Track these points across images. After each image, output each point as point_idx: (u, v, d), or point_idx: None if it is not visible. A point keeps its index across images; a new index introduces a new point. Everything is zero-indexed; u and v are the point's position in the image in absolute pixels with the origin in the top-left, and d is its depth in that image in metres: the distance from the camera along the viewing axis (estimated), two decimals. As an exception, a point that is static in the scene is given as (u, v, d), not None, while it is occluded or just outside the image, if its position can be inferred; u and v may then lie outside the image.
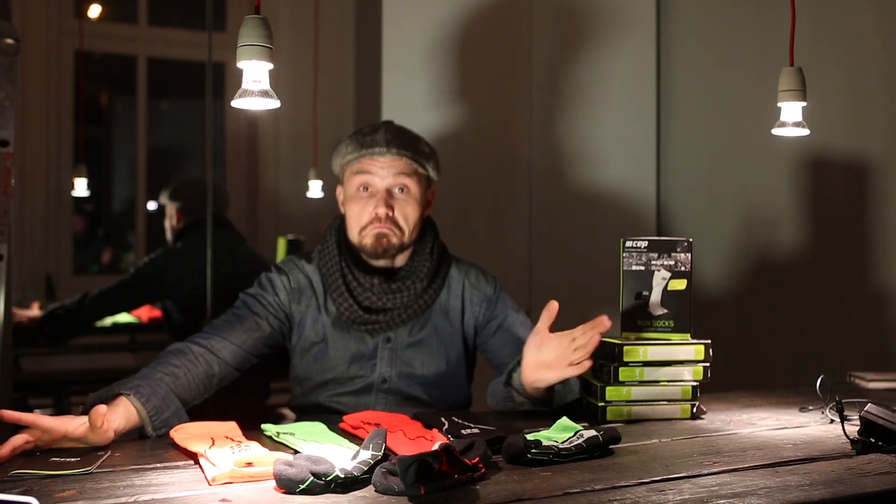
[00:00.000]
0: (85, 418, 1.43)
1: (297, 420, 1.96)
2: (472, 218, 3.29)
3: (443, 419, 1.62)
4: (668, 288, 1.83)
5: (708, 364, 1.80)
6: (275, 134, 4.50)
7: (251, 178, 4.57)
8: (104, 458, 1.40)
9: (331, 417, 1.80)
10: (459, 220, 3.22)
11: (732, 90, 3.28)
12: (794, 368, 2.96)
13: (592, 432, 1.45)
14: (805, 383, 2.07)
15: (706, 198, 3.41)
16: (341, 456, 1.33)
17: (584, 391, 1.87)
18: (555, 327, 1.87)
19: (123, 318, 3.52)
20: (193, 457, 1.39)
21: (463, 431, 1.53)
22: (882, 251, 2.73)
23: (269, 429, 1.59)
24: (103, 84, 5.06)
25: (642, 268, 1.84)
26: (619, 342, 1.78)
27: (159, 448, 1.49)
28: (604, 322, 1.63)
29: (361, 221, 1.88)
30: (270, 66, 1.38)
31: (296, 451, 1.43)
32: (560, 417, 1.59)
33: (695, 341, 1.80)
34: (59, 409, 3.35)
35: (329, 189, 3.61)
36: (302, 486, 1.19)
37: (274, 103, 1.40)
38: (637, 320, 1.83)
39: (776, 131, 1.77)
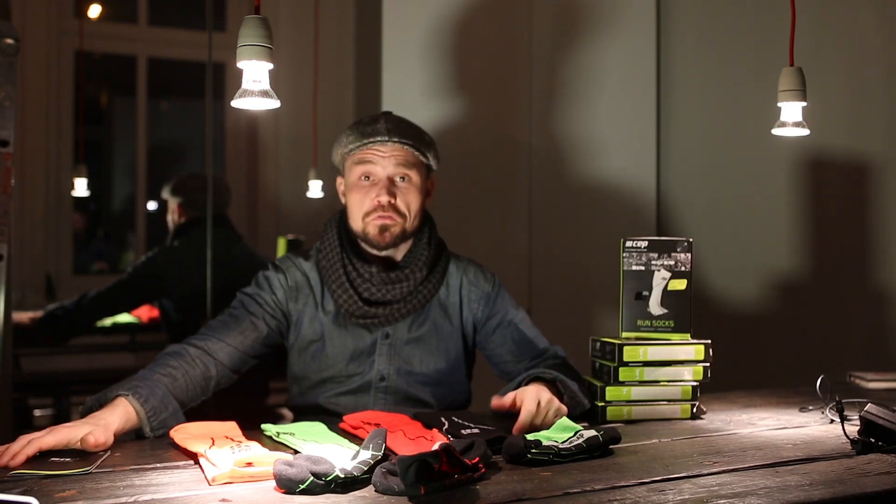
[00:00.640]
0: (86, 428, 1.43)
1: (295, 420, 1.96)
2: (472, 215, 3.29)
3: (443, 419, 1.62)
4: (668, 288, 1.83)
5: (708, 364, 1.80)
6: (275, 134, 4.50)
7: (251, 178, 4.57)
8: (104, 458, 1.40)
9: (329, 418, 1.79)
10: (459, 217, 3.22)
11: (732, 90, 3.28)
12: (794, 368, 2.96)
13: (592, 432, 1.45)
14: (805, 383, 2.07)
15: (706, 197, 3.41)
16: (341, 456, 1.33)
17: (587, 395, 1.87)
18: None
19: (123, 318, 3.52)
20: (193, 457, 1.39)
21: (463, 431, 1.53)
22: (882, 251, 2.73)
23: (269, 429, 1.59)
24: (103, 84, 5.06)
25: (642, 268, 1.84)
26: (619, 342, 1.77)
27: (159, 448, 1.49)
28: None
29: (364, 208, 1.87)
30: (270, 66, 1.38)
31: (296, 451, 1.43)
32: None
33: (695, 341, 1.80)
34: (59, 409, 3.35)
35: (329, 189, 3.61)
36: (302, 486, 1.19)
37: (274, 103, 1.40)
38: (637, 320, 1.83)
39: (776, 131, 1.77)
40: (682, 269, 1.83)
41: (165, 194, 3.35)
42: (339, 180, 1.98)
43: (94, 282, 4.03)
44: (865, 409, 1.49)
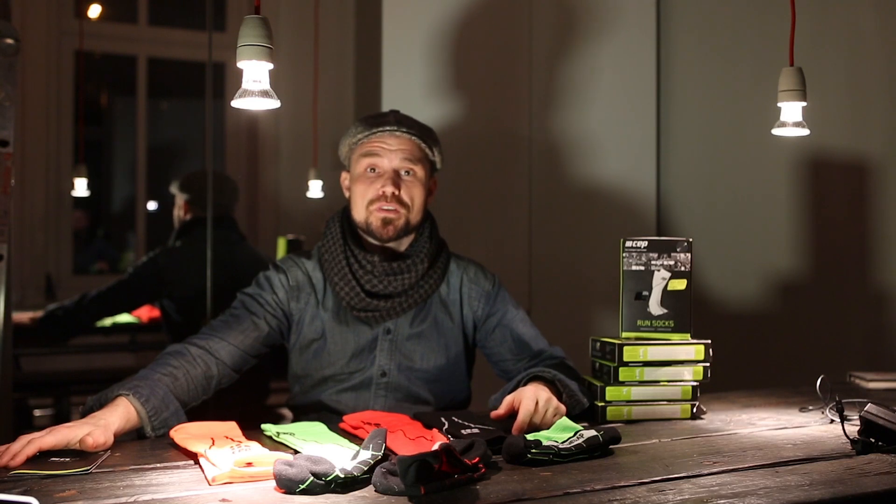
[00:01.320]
0: (86, 429, 1.43)
1: (296, 419, 1.96)
2: (472, 215, 3.29)
3: (443, 419, 1.62)
4: (668, 288, 1.83)
5: (708, 364, 1.80)
6: (275, 134, 4.50)
7: (251, 178, 4.57)
8: (104, 458, 1.40)
9: (330, 417, 1.79)
10: (459, 217, 3.22)
11: (732, 89, 3.28)
12: (794, 368, 2.96)
13: (592, 432, 1.45)
14: (805, 383, 2.07)
15: (706, 197, 3.41)
16: (341, 456, 1.33)
17: (587, 394, 1.87)
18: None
19: (123, 318, 3.52)
20: (193, 457, 1.39)
21: (463, 431, 1.53)
22: (882, 251, 2.73)
23: (269, 429, 1.59)
24: (103, 84, 5.06)
25: (642, 268, 1.84)
26: (619, 342, 1.78)
27: (159, 448, 1.49)
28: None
29: (368, 197, 1.88)
30: (270, 66, 1.38)
31: (296, 451, 1.43)
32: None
33: (695, 341, 1.81)
34: (59, 409, 3.35)
35: (329, 189, 3.61)
36: (302, 486, 1.19)
37: (274, 103, 1.40)
38: (637, 320, 1.83)
39: (776, 131, 1.77)
40: (682, 269, 1.83)
41: (173, 189, 3.34)
42: (344, 175, 1.99)
43: (94, 282, 4.03)
44: (865, 409, 1.49)
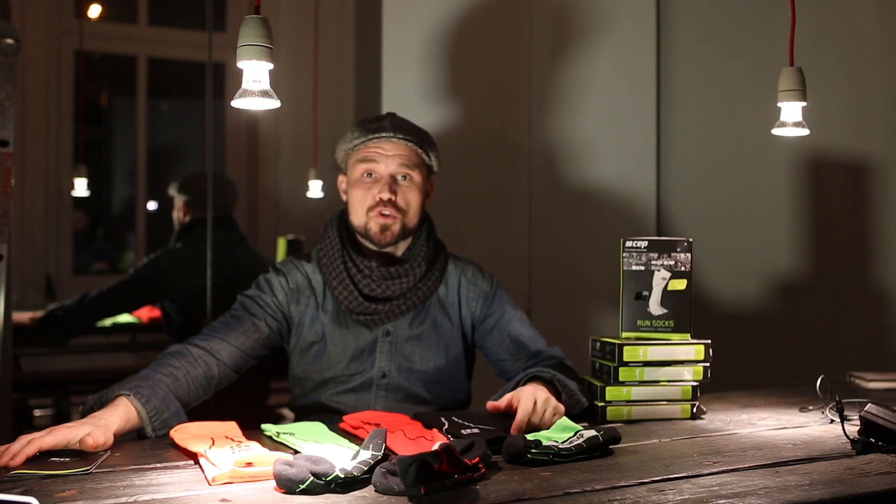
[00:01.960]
0: (86, 429, 1.43)
1: (297, 420, 1.96)
2: (472, 216, 3.29)
3: (443, 419, 1.62)
4: (668, 288, 1.83)
5: (708, 364, 1.80)
6: (275, 134, 4.50)
7: (251, 178, 4.57)
8: (104, 458, 1.40)
9: (331, 417, 1.80)
10: (459, 218, 3.22)
11: (732, 90, 3.28)
12: (794, 368, 2.96)
13: (592, 432, 1.45)
14: (805, 383, 2.07)
15: (706, 197, 3.41)
16: (341, 456, 1.33)
17: (586, 394, 1.87)
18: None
19: (123, 318, 3.52)
20: (193, 457, 1.39)
21: (463, 431, 1.53)
22: (882, 251, 2.73)
23: (269, 429, 1.59)
24: (103, 84, 5.06)
25: (642, 268, 1.84)
26: (619, 342, 1.77)
27: (159, 448, 1.49)
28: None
29: (366, 203, 1.89)
30: (270, 66, 1.38)
31: (296, 451, 1.43)
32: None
33: (695, 341, 1.81)
34: (59, 409, 3.35)
35: (329, 189, 3.61)
36: (302, 486, 1.19)
37: (274, 103, 1.40)
38: (637, 320, 1.83)
39: (776, 131, 1.77)
40: (682, 269, 1.83)
41: (172, 191, 3.34)
42: (341, 178, 1.99)
43: (94, 282, 4.04)
44: (865, 409, 1.49)
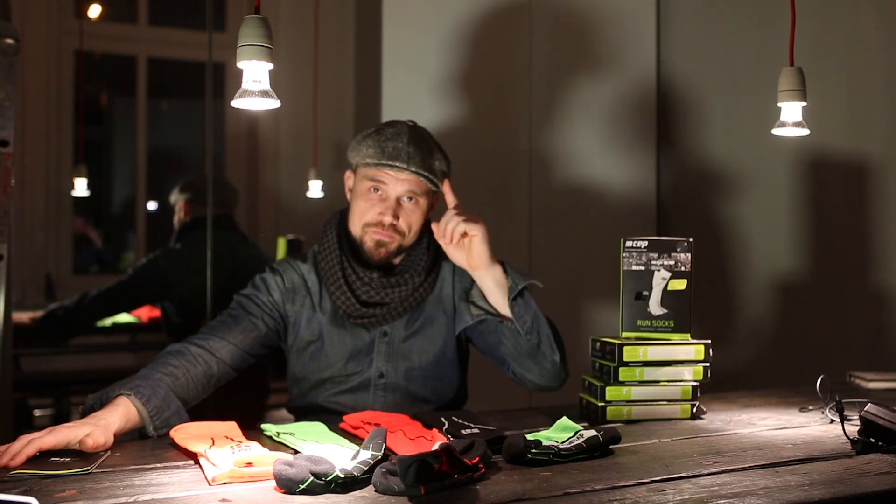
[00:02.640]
0: (86, 429, 1.43)
1: (296, 420, 1.96)
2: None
3: (443, 419, 1.62)
4: (668, 288, 1.83)
5: (708, 364, 1.80)
6: (275, 134, 4.50)
7: (251, 178, 4.57)
8: (104, 458, 1.40)
9: (330, 418, 1.80)
10: (459, 220, 3.21)
11: (732, 89, 3.28)
12: (794, 368, 2.96)
13: (592, 432, 1.45)
14: (805, 383, 2.07)
15: (706, 198, 3.41)
16: (341, 456, 1.33)
17: (584, 391, 1.87)
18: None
19: (123, 318, 3.52)
20: (193, 457, 1.39)
21: (463, 431, 1.53)
22: (882, 251, 2.73)
23: (269, 429, 1.59)
24: (103, 84, 5.06)
25: (642, 268, 1.84)
26: (619, 342, 1.77)
27: (159, 448, 1.49)
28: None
29: (366, 219, 1.88)
30: (270, 66, 1.38)
31: (296, 451, 1.43)
32: (560, 417, 1.59)
33: (695, 341, 1.80)
34: (59, 409, 3.35)
35: (329, 189, 3.61)
36: (302, 486, 1.19)
37: (274, 103, 1.40)
38: (637, 320, 1.83)
39: (776, 131, 1.77)
40: (682, 269, 1.83)
41: (174, 196, 3.34)
42: (349, 174, 1.98)
43: (93, 282, 4.03)
44: (865, 409, 1.49)
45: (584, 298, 3.40)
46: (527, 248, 3.40)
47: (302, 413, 1.94)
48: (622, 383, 1.76)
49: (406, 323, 1.93)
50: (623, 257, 1.85)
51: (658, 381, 1.78)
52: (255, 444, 1.40)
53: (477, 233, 1.82)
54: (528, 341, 1.81)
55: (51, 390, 3.39)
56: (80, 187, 3.58)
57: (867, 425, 1.49)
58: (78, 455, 1.41)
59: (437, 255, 1.99)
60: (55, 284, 4.11)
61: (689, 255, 1.83)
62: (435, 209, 2.00)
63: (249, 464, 1.27)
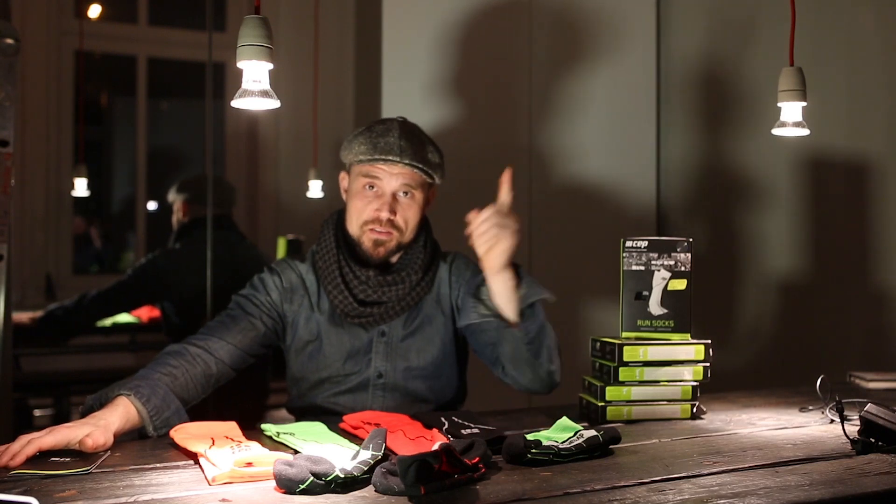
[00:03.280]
0: (86, 429, 1.43)
1: (297, 420, 1.96)
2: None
3: (443, 419, 1.62)
4: (668, 288, 1.83)
5: (708, 364, 1.80)
6: (275, 134, 4.50)
7: (251, 178, 4.57)
8: (104, 458, 1.40)
9: (329, 419, 1.80)
10: (459, 218, 3.20)
11: (732, 89, 3.28)
12: (794, 368, 2.96)
13: (592, 432, 1.45)
14: (805, 383, 2.07)
15: (706, 198, 3.41)
16: (341, 456, 1.33)
17: (584, 391, 1.87)
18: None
19: (123, 318, 3.52)
20: (193, 457, 1.39)
21: (463, 431, 1.53)
22: (882, 251, 2.73)
23: (269, 429, 1.59)
24: (103, 84, 5.06)
25: (642, 268, 1.84)
26: (619, 342, 1.77)
27: (159, 448, 1.49)
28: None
29: (363, 217, 1.88)
30: (270, 66, 1.38)
31: (296, 451, 1.43)
32: (560, 417, 1.59)
33: (695, 341, 1.80)
34: (59, 409, 3.35)
35: (329, 189, 3.61)
36: (302, 486, 1.19)
37: (274, 103, 1.40)
38: (637, 320, 1.83)
39: (776, 131, 1.77)
40: (682, 269, 1.83)
41: (171, 195, 3.34)
42: (343, 175, 1.99)
43: (93, 282, 4.03)
44: (865, 409, 1.49)
45: (584, 298, 3.40)
46: (527, 248, 3.39)
47: (302, 414, 1.94)
48: (622, 383, 1.76)
49: (404, 322, 1.93)
50: (623, 257, 1.85)
51: (658, 381, 1.78)
52: (255, 444, 1.40)
53: (501, 244, 1.75)
54: (529, 349, 1.79)
55: (51, 390, 3.39)
56: (80, 187, 3.58)
57: (867, 425, 1.49)
58: (78, 455, 1.41)
59: (434, 253, 1.99)
60: (55, 284, 4.11)
61: (689, 255, 1.83)
62: (432, 204, 2.00)
63: (249, 464, 1.27)
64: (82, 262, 4.67)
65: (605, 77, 3.46)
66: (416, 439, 1.49)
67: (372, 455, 1.29)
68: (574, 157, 3.43)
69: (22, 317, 3.29)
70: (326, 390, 1.91)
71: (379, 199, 1.88)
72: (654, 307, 1.82)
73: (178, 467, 1.36)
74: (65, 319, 3.19)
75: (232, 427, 1.53)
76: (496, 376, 1.93)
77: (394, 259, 1.94)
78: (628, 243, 1.85)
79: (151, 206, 4.63)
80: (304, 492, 1.19)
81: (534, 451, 1.37)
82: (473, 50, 3.30)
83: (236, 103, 1.40)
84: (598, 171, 3.44)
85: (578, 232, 3.43)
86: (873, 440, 1.47)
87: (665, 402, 1.78)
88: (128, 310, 3.44)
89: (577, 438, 1.43)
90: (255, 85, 1.38)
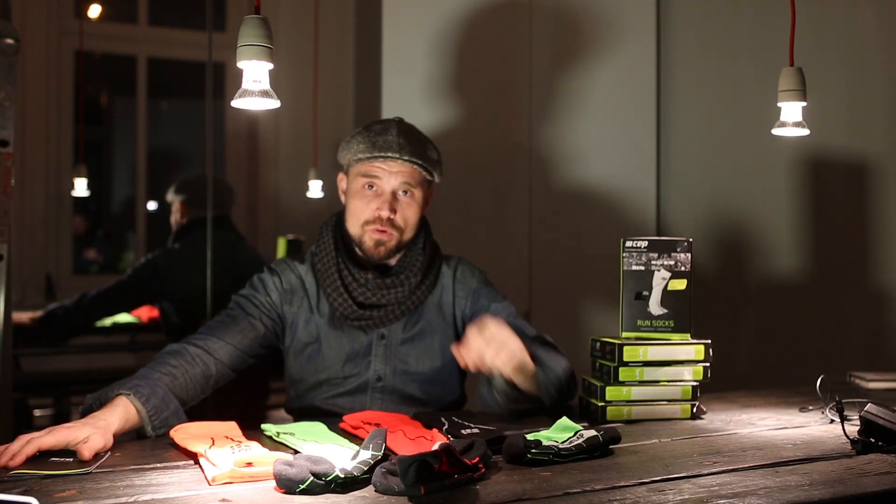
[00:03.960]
0: (86, 430, 1.43)
1: (295, 421, 1.96)
2: (472, 217, 3.29)
3: (443, 419, 1.62)
4: (668, 288, 1.83)
5: (708, 364, 1.80)
6: (275, 134, 4.50)
7: (251, 178, 4.57)
8: (104, 458, 1.40)
9: (327, 420, 1.80)
10: (459, 218, 3.22)
11: (732, 89, 3.28)
12: (794, 368, 2.96)
13: (592, 432, 1.45)
14: (805, 383, 2.07)
15: (706, 198, 3.41)
16: (341, 456, 1.33)
17: (584, 391, 1.87)
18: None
19: (123, 318, 3.52)
20: (193, 457, 1.39)
21: (463, 431, 1.53)
22: (882, 251, 2.73)
23: (269, 429, 1.59)
24: (103, 84, 5.06)
25: (642, 268, 1.84)
26: (619, 342, 1.77)
27: (159, 448, 1.49)
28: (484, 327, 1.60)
29: (364, 217, 1.88)
30: (270, 66, 1.38)
31: (296, 451, 1.43)
32: (560, 417, 1.59)
33: (695, 341, 1.80)
34: (59, 409, 3.35)
35: (329, 189, 3.61)
36: (302, 486, 1.19)
37: (274, 103, 1.40)
38: (637, 320, 1.83)
39: (776, 131, 1.77)
40: (682, 269, 1.83)
41: (170, 196, 3.34)
42: (341, 176, 1.99)
43: (93, 282, 4.03)
44: (865, 409, 1.49)
45: (584, 298, 3.40)
46: (527, 248, 3.40)
47: (300, 415, 1.94)
48: (622, 383, 1.76)
49: (404, 326, 1.93)
50: (623, 257, 1.85)
51: (658, 381, 1.78)
52: (255, 444, 1.40)
53: (508, 346, 1.61)
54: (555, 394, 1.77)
55: (51, 390, 3.39)
56: (80, 187, 3.58)
57: (867, 425, 1.49)
58: (78, 455, 1.41)
59: (434, 256, 1.99)
60: (55, 284, 4.11)
61: (689, 255, 1.83)
62: (430, 204, 2.00)
63: (249, 464, 1.27)
64: (82, 263, 4.68)
65: (605, 77, 3.46)
66: (416, 439, 1.49)
67: (372, 455, 1.29)
68: (574, 157, 3.43)
69: (22, 317, 3.29)
70: (325, 392, 1.91)
71: (378, 198, 1.88)
72: (654, 307, 1.82)
73: (178, 467, 1.36)
74: (65, 319, 3.19)
75: (232, 427, 1.53)
76: None
77: (392, 261, 1.94)
78: (628, 243, 1.85)
79: (151, 206, 4.64)
80: (304, 492, 1.19)
81: (534, 451, 1.37)
82: (473, 50, 3.30)
83: (236, 103, 1.40)
84: (598, 171, 3.44)
85: (578, 232, 3.43)
86: (873, 440, 1.47)
87: (665, 402, 1.78)
88: (128, 309, 3.44)
89: (577, 438, 1.43)
90: (255, 85, 1.38)
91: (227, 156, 4.59)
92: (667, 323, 1.82)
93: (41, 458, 1.38)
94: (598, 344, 1.86)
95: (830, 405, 1.75)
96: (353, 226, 1.91)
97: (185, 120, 5.41)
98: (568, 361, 1.84)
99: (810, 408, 1.87)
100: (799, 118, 1.75)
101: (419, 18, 3.23)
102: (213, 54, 2.87)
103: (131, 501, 1.17)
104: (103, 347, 3.63)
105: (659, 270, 1.83)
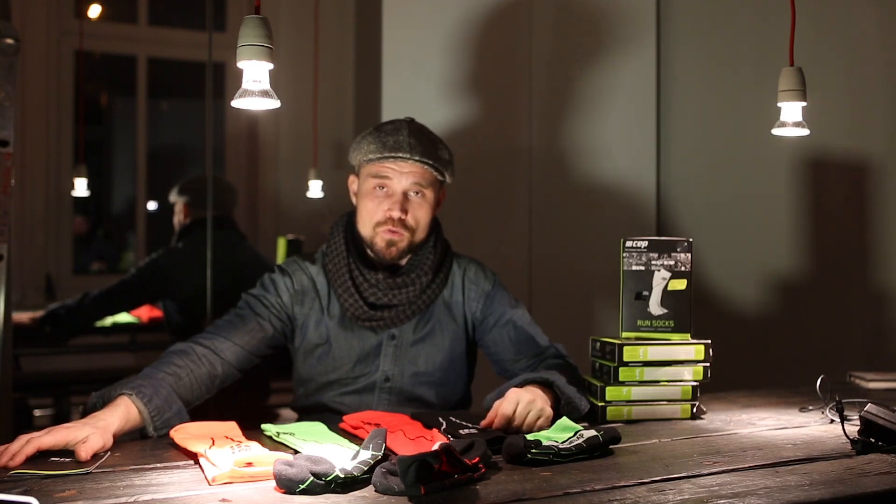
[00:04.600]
0: (86, 430, 1.43)
1: (298, 420, 1.96)
2: (473, 215, 3.29)
3: (441, 419, 1.62)
4: (668, 288, 1.83)
5: (708, 364, 1.80)
6: (275, 134, 4.50)
7: (251, 178, 4.57)
8: (104, 458, 1.40)
9: (331, 417, 1.80)
10: (460, 217, 3.21)
11: (732, 89, 3.28)
12: (794, 368, 2.96)
13: (592, 432, 1.45)
14: (805, 383, 2.07)
15: (706, 197, 3.41)
16: (341, 456, 1.33)
17: (586, 395, 1.86)
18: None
19: (123, 318, 3.52)
20: (193, 457, 1.39)
21: (462, 431, 1.53)
22: (882, 251, 2.73)
23: (269, 429, 1.59)
24: (103, 84, 5.06)
25: (642, 268, 1.84)
26: (619, 342, 1.77)
27: (159, 448, 1.49)
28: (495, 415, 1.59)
29: (375, 218, 1.87)
30: (270, 66, 1.38)
31: (296, 451, 1.43)
32: (560, 417, 1.59)
33: (695, 341, 1.81)
34: (59, 409, 3.35)
35: (329, 189, 3.61)
36: (302, 486, 1.19)
37: (274, 103, 1.40)
38: (637, 320, 1.83)
39: (776, 131, 1.77)
40: (682, 269, 1.83)
41: (173, 196, 3.35)
42: (352, 178, 1.98)
43: (94, 282, 4.03)
44: (865, 409, 1.49)
45: (584, 298, 3.40)
46: (527, 248, 3.40)
47: (306, 412, 1.94)
48: (622, 383, 1.76)
49: (415, 327, 1.92)
50: (623, 257, 1.85)
51: (658, 381, 1.78)
52: (255, 444, 1.40)
53: (543, 413, 1.61)
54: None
55: (51, 390, 3.38)
56: (80, 187, 3.58)
57: (867, 425, 1.49)
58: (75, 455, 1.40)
59: (445, 255, 1.98)
60: (55, 284, 4.11)
61: (689, 255, 1.83)
62: (442, 205, 2.00)
63: (249, 464, 1.28)
64: (82, 263, 4.67)
65: (606, 77, 3.46)
66: (416, 439, 1.49)
67: (372, 455, 1.29)
68: (574, 157, 3.43)
69: (22, 317, 3.29)
70: (333, 391, 1.91)
71: (389, 199, 1.87)
72: (654, 307, 1.82)
73: (178, 467, 1.36)
74: (67, 318, 3.20)
75: (232, 427, 1.53)
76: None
77: (403, 261, 1.93)
78: (628, 243, 1.85)
79: (151, 206, 4.63)
80: (304, 492, 1.19)
81: (534, 451, 1.37)
82: (474, 49, 3.30)
83: (236, 103, 1.40)
84: (598, 171, 3.45)
85: (578, 232, 3.43)
86: (873, 440, 1.47)
87: (665, 402, 1.78)
88: (130, 309, 3.45)
89: (577, 438, 1.43)
90: (255, 85, 1.38)
91: (227, 156, 4.59)
92: (667, 323, 1.82)
93: (41, 458, 1.38)
94: (598, 344, 1.86)
95: (830, 405, 1.75)
96: (365, 227, 1.90)
97: (185, 120, 5.41)
98: (579, 378, 1.84)
99: (810, 408, 1.87)
100: (799, 118, 1.75)
101: (419, 18, 3.23)
102: (213, 54, 2.87)
103: (131, 501, 1.17)
104: (103, 347, 3.62)
105: (659, 270, 1.83)
